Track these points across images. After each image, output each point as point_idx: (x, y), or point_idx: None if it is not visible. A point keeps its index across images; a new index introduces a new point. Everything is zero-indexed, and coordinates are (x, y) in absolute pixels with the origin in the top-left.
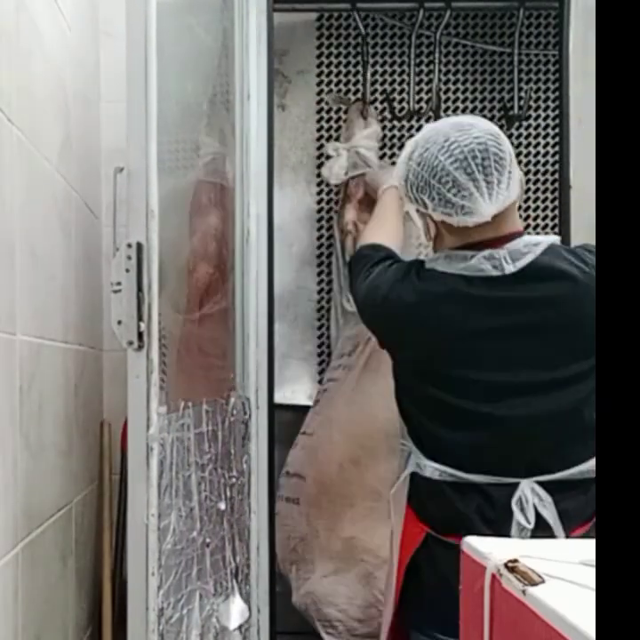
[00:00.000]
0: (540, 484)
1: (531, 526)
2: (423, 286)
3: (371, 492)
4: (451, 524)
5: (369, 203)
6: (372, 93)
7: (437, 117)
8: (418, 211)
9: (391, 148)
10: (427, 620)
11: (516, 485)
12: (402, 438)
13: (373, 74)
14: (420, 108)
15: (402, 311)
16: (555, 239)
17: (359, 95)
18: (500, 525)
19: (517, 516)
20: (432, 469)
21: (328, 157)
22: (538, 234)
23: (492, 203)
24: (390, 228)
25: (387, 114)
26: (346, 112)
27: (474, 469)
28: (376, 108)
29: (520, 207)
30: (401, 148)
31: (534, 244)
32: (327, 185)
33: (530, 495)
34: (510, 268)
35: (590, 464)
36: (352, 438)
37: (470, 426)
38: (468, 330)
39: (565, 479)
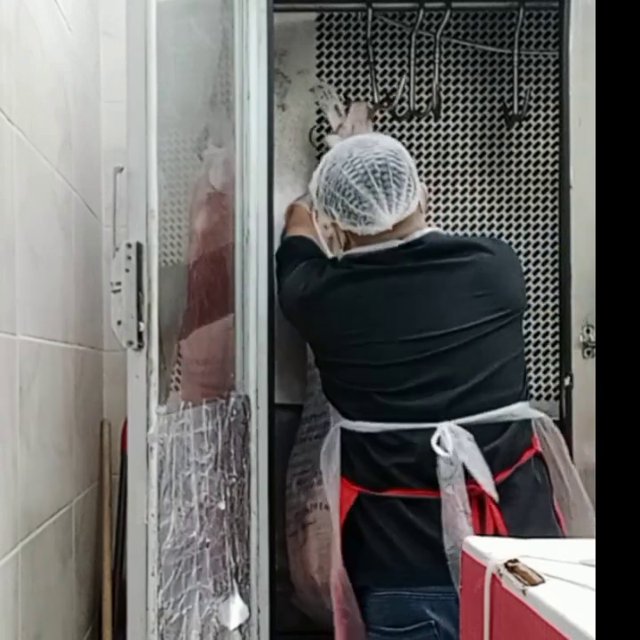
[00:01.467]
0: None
1: (449, 454)
2: (332, 272)
3: None
4: (378, 478)
5: None
6: (372, 93)
7: (437, 117)
8: (330, 222)
9: None
10: (374, 579)
11: (434, 429)
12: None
13: (374, 74)
14: (420, 108)
15: (314, 294)
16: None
17: (359, 95)
18: (421, 469)
19: (437, 450)
20: (353, 426)
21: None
22: (537, 234)
23: (391, 213)
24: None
25: (387, 114)
26: (347, 110)
27: (393, 418)
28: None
29: (520, 208)
30: None
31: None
32: None
33: (448, 434)
34: (399, 242)
35: (508, 409)
36: None
37: (387, 381)
38: (373, 297)
39: (483, 422)
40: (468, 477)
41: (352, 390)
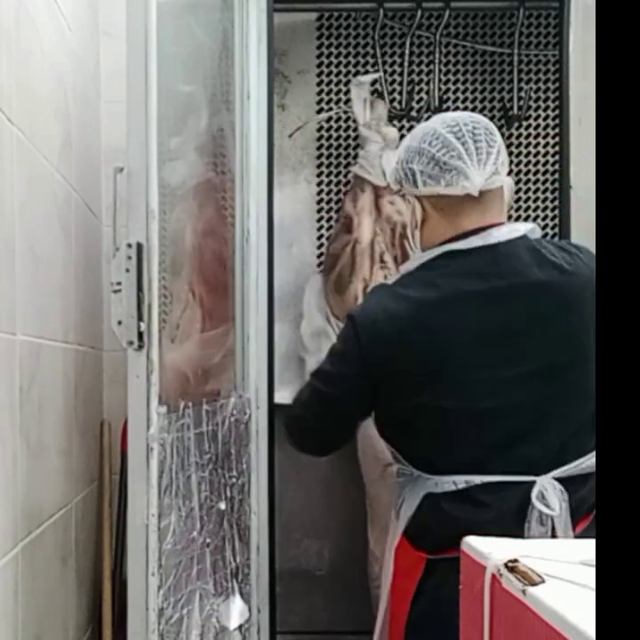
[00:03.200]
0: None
1: (556, 513)
2: (412, 294)
3: None
4: (449, 538)
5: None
6: (372, 93)
7: None
8: (405, 198)
9: None
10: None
11: (532, 483)
12: (399, 464)
13: (373, 74)
14: (421, 107)
15: (395, 327)
16: (531, 227)
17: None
18: (513, 526)
19: (540, 506)
20: (450, 483)
21: (388, 146)
22: None
23: (480, 169)
24: None
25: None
26: (371, 107)
27: (495, 470)
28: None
29: (520, 207)
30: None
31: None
32: (327, 185)
33: (550, 489)
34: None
35: (593, 457)
36: None
37: (479, 425)
38: (467, 329)
39: (577, 472)
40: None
41: (442, 438)
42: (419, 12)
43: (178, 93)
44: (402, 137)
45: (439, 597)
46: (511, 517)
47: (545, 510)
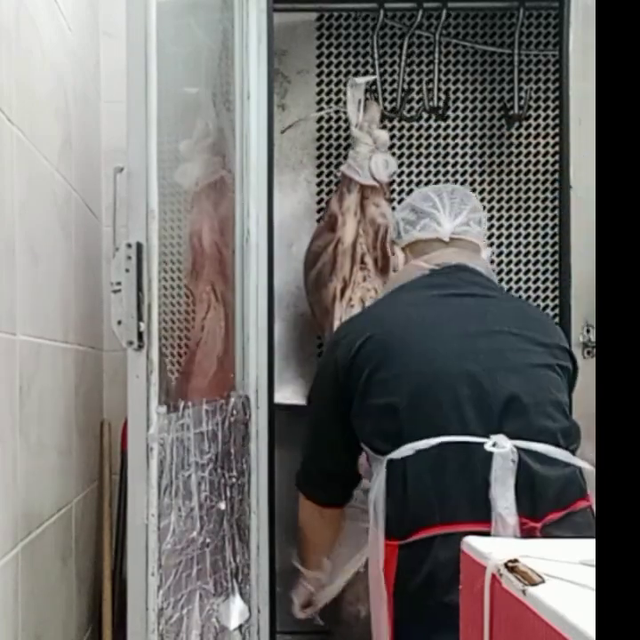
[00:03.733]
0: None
1: (506, 450)
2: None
3: None
4: (428, 514)
5: None
6: (373, 93)
7: (437, 118)
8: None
9: (390, 148)
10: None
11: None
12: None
13: (373, 74)
14: (420, 108)
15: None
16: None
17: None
18: (476, 481)
19: (492, 449)
20: (408, 449)
21: (377, 147)
22: (537, 234)
23: (451, 218)
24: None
25: (386, 114)
26: (365, 109)
27: (457, 432)
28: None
29: (520, 207)
30: (400, 148)
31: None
32: (327, 185)
33: (508, 445)
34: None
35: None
36: None
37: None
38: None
39: (537, 450)
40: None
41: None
42: (419, 12)
43: (178, 93)
44: (392, 137)
45: (417, 585)
46: (475, 474)
47: (495, 450)
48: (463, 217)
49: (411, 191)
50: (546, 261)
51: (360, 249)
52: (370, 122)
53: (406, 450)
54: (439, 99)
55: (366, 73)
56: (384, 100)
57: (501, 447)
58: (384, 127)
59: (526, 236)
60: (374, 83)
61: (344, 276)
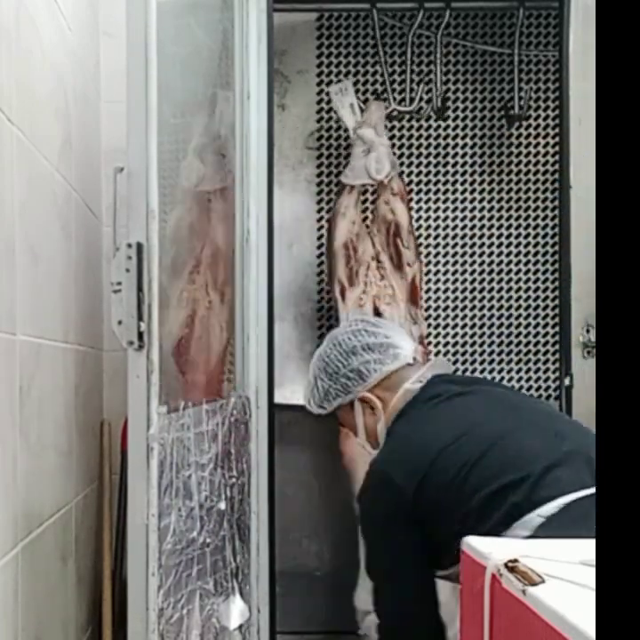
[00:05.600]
0: None
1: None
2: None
3: None
4: None
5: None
6: (373, 93)
7: (438, 117)
8: (342, 411)
9: (391, 147)
10: None
11: None
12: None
13: (373, 74)
14: (421, 108)
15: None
16: None
17: (359, 95)
18: None
19: None
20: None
21: (366, 146)
22: (537, 234)
23: (407, 340)
24: None
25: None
26: (364, 110)
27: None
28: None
29: (520, 207)
30: (400, 148)
31: None
32: (327, 185)
33: None
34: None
35: None
36: None
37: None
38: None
39: None
40: None
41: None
42: (420, 12)
43: (178, 93)
44: (392, 137)
45: None
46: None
47: None
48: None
49: (411, 191)
50: (546, 261)
51: (353, 249)
52: (376, 121)
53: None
54: (439, 98)
55: (366, 73)
56: (384, 100)
57: None
58: (385, 126)
59: (526, 236)
60: (367, 82)
61: (339, 279)
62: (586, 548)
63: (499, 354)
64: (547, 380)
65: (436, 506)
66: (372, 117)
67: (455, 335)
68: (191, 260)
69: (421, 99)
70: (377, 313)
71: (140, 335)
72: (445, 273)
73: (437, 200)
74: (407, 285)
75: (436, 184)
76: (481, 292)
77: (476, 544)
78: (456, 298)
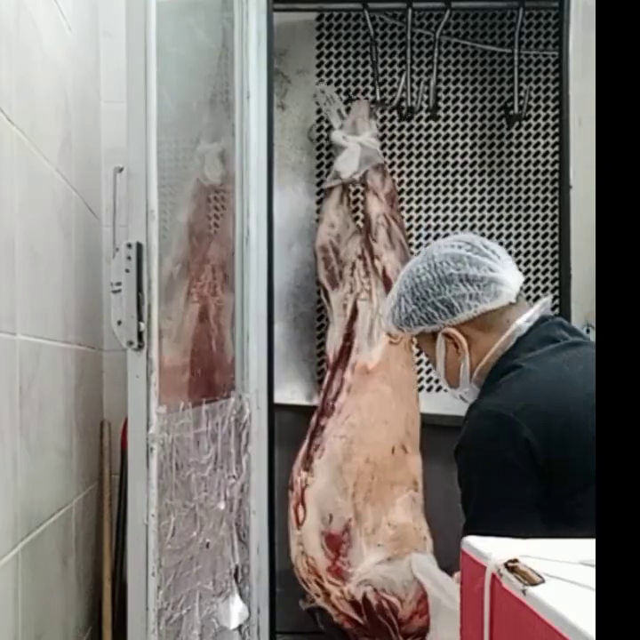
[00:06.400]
0: None
1: None
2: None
3: (413, 481)
4: None
5: (394, 197)
6: (373, 93)
7: (437, 117)
8: (422, 338)
9: (391, 147)
10: None
11: None
12: None
13: (373, 74)
14: (420, 107)
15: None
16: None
17: (359, 95)
18: None
19: None
20: None
21: (339, 148)
22: (537, 234)
23: (514, 273)
24: None
25: (387, 113)
26: (348, 110)
27: None
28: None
29: (520, 207)
30: (400, 147)
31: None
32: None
33: None
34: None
35: None
36: (401, 423)
37: None
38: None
39: None
40: None
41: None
42: (409, 12)
43: (178, 93)
44: (391, 137)
45: None
46: None
47: None
48: (515, 262)
49: (410, 191)
50: (546, 261)
51: (333, 251)
52: (354, 119)
53: None
54: (439, 98)
55: (366, 72)
56: (384, 99)
57: None
58: (384, 127)
59: (526, 236)
60: (367, 81)
61: (320, 282)
62: (586, 548)
63: None
64: None
65: (564, 462)
66: (351, 117)
67: None
68: (197, 259)
69: (421, 98)
70: (354, 311)
71: (140, 335)
72: None
73: (437, 200)
74: (380, 278)
75: (435, 184)
76: None
77: (476, 544)
78: None
